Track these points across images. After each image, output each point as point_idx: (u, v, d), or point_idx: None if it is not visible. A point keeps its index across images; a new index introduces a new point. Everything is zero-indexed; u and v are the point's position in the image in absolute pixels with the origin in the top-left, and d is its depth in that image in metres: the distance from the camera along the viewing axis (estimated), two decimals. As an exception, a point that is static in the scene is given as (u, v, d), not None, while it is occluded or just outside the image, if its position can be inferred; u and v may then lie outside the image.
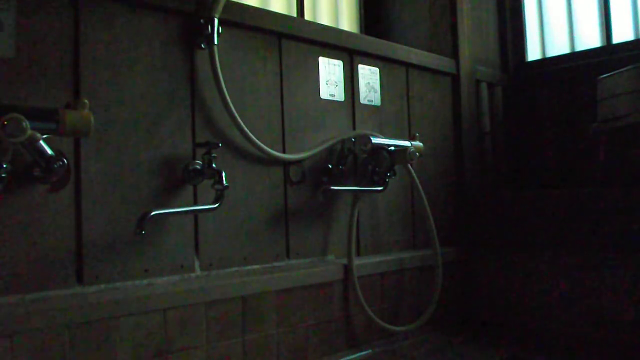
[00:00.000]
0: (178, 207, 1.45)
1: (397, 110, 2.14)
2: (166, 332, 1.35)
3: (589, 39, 2.65)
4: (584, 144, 2.47)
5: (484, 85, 2.58)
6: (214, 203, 1.45)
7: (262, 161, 1.67)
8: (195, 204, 1.51)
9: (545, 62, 2.74)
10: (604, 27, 2.59)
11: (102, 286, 1.33)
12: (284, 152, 1.73)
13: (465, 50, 2.44)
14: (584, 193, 2.02)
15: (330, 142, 1.85)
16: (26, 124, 1.08)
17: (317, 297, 1.71)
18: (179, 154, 1.49)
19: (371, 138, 1.86)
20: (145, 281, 1.41)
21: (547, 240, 2.09)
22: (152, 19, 1.45)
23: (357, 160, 1.94)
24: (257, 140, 1.60)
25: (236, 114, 1.55)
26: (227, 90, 1.53)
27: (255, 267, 1.64)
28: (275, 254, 1.70)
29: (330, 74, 1.89)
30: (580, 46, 2.69)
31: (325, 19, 2.49)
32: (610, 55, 2.48)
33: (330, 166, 1.85)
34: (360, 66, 2.00)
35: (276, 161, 1.70)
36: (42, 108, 1.18)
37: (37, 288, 1.23)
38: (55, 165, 1.20)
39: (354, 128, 1.96)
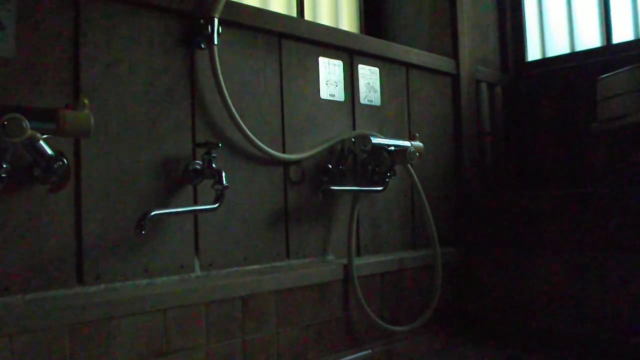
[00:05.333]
0: (178, 207, 1.45)
1: (397, 110, 2.14)
2: (166, 332, 1.35)
3: (589, 39, 2.65)
4: (584, 144, 2.47)
5: (484, 85, 2.58)
6: (214, 203, 1.45)
7: (262, 161, 1.67)
8: (195, 204, 1.51)
9: (545, 62, 2.74)
10: (604, 27, 2.59)
11: (102, 286, 1.33)
12: (284, 152, 1.73)
13: (465, 50, 2.44)
14: (584, 193, 2.02)
15: (330, 142, 1.85)
16: (26, 124, 1.08)
17: (317, 297, 1.71)
18: (179, 154, 1.49)
19: (371, 138, 1.86)
20: (145, 281, 1.41)
21: (547, 240, 2.09)
22: (152, 19, 1.45)
23: (357, 160, 1.94)
24: (257, 140, 1.61)
25: (236, 114, 1.55)
26: (227, 90, 1.53)
27: (255, 267, 1.64)
28: (275, 254, 1.70)
29: (330, 74, 1.89)
30: (580, 46, 2.69)
31: (325, 19, 2.49)
32: (610, 55, 2.48)
33: (330, 166, 1.85)
34: (360, 66, 2.00)
35: (276, 161, 1.70)
36: (42, 108, 1.18)
37: (37, 288, 1.23)
38: (55, 165, 1.20)
39: (354, 128, 1.96)
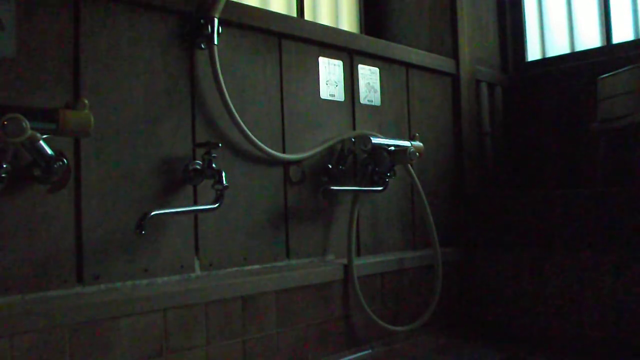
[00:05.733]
0: (178, 207, 1.45)
1: (397, 110, 2.14)
2: (166, 332, 1.35)
3: (589, 39, 2.65)
4: (584, 144, 2.47)
5: (484, 85, 2.58)
6: (214, 203, 1.45)
7: (262, 161, 1.67)
8: (195, 204, 1.51)
9: (545, 62, 2.74)
10: (604, 27, 2.59)
11: (102, 286, 1.33)
12: (284, 152, 1.73)
13: (465, 50, 2.44)
14: (584, 193, 2.02)
15: (330, 142, 1.85)
16: (26, 124, 1.08)
17: (317, 297, 1.71)
18: (179, 154, 1.49)
19: (371, 138, 1.85)
20: (145, 281, 1.41)
21: (547, 240, 2.09)
22: (152, 19, 1.45)
23: (357, 160, 1.94)
24: (257, 140, 1.60)
25: (236, 114, 1.55)
26: (227, 90, 1.53)
27: (255, 267, 1.65)
28: (275, 254, 1.70)
29: (330, 74, 1.89)
30: (580, 46, 2.69)
31: (325, 19, 2.49)
32: (610, 55, 2.48)
33: (330, 166, 1.85)
34: (360, 66, 2.00)
35: (276, 161, 1.70)
36: (42, 108, 1.18)
37: (37, 288, 1.23)
38: (55, 165, 1.20)
39: (354, 128, 1.96)
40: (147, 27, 1.44)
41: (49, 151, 1.19)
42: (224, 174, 1.44)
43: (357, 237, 1.94)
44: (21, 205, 1.22)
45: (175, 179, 1.48)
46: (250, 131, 1.58)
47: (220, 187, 1.44)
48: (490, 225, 2.29)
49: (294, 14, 2.34)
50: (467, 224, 2.36)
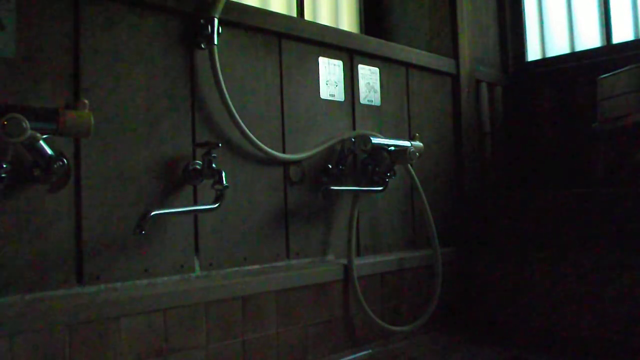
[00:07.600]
0: (178, 207, 1.45)
1: (397, 110, 2.14)
2: (166, 332, 1.35)
3: (589, 39, 2.65)
4: (584, 144, 2.47)
5: (484, 85, 2.58)
6: (214, 203, 1.45)
7: (262, 161, 1.67)
8: (195, 204, 1.51)
9: (545, 62, 2.74)
10: (604, 27, 2.59)
11: (102, 286, 1.33)
12: (284, 152, 1.73)
13: (465, 50, 2.44)
14: (584, 193, 2.02)
15: (330, 142, 1.85)
16: (26, 124, 1.08)
17: (317, 297, 1.71)
18: (179, 154, 1.49)
19: (371, 138, 1.85)
20: (145, 281, 1.41)
21: (547, 240, 2.09)
22: (152, 19, 1.45)
23: (357, 160, 1.94)
24: (257, 141, 1.60)
25: (236, 114, 1.55)
26: (227, 90, 1.53)
27: (255, 267, 1.64)
28: (275, 254, 1.70)
29: (330, 74, 1.89)
30: (580, 46, 2.69)
31: (325, 19, 2.49)
32: (610, 55, 2.48)
33: (330, 166, 1.85)
34: (360, 66, 2.00)
35: (276, 161, 1.70)
36: (42, 108, 1.18)
37: (37, 288, 1.23)
38: (55, 165, 1.20)
39: (354, 128, 1.96)
40: (147, 27, 1.44)
41: (49, 151, 1.19)
42: (224, 174, 1.44)
43: (357, 237, 1.94)
44: (21, 205, 1.22)
45: (175, 179, 1.48)
46: (250, 131, 1.58)
47: (220, 187, 1.44)
48: (490, 225, 2.29)
49: (294, 14, 2.34)
50: (467, 223, 2.36)
